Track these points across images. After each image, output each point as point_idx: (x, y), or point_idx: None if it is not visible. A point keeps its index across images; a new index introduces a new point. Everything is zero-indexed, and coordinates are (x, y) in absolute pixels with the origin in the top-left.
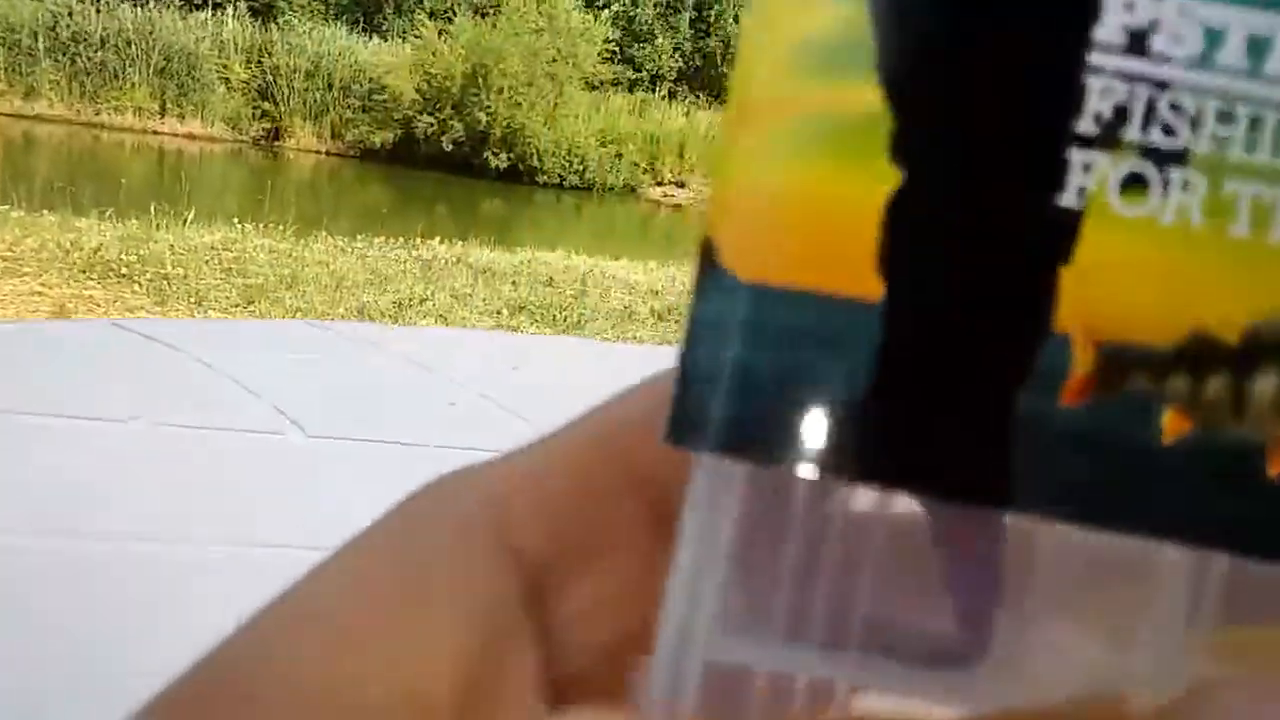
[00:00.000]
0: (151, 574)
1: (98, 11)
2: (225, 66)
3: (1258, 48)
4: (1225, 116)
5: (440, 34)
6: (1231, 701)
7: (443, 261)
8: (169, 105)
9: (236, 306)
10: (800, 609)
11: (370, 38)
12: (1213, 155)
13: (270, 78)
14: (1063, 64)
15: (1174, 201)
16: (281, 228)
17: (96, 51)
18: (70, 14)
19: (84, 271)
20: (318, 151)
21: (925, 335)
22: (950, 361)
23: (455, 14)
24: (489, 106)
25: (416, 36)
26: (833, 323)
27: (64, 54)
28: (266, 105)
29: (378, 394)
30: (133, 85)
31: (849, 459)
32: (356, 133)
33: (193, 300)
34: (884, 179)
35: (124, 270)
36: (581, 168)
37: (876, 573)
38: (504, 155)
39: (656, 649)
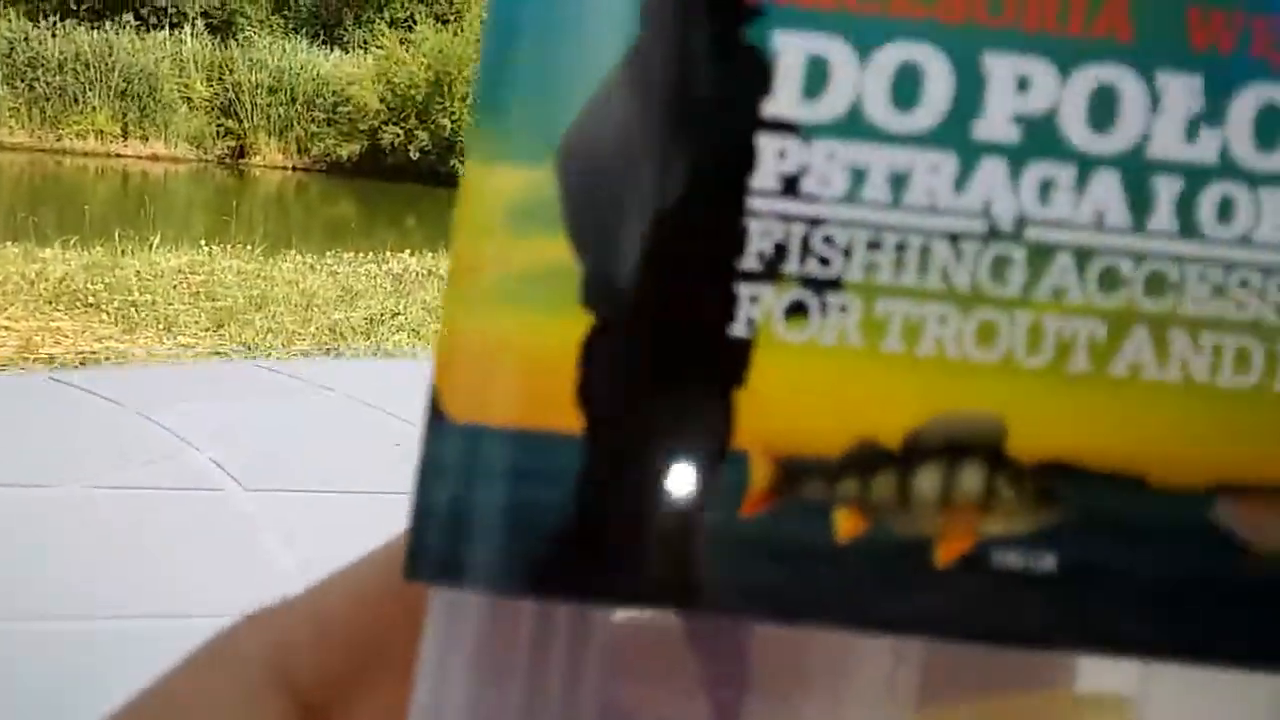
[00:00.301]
0: (81, 653)
1: (54, 35)
2: (186, 85)
3: (898, 182)
4: (873, 245)
5: (402, 43)
6: None
7: (414, 275)
8: (131, 127)
9: (206, 331)
10: None
11: (331, 50)
12: (864, 281)
13: (232, 94)
14: (725, 210)
15: (832, 324)
16: (249, 247)
17: (55, 76)
18: (26, 39)
19: (50, 303)
20: (284, 167)
21: (619, 461)
22: (642, 483)
23: (416, 22)
24: (454, 114)
25: (378, 47)
26: (540, 456)
27: (21, 80)
28: (230, 123)
29: (319, 438)
30: (93, 109)
31: (559, 581)
32: (322, 146)
33: (162, 327)
34: (578, 322)
35: (91, 299)
36: None
37: (615, 675)
38: None
39: None
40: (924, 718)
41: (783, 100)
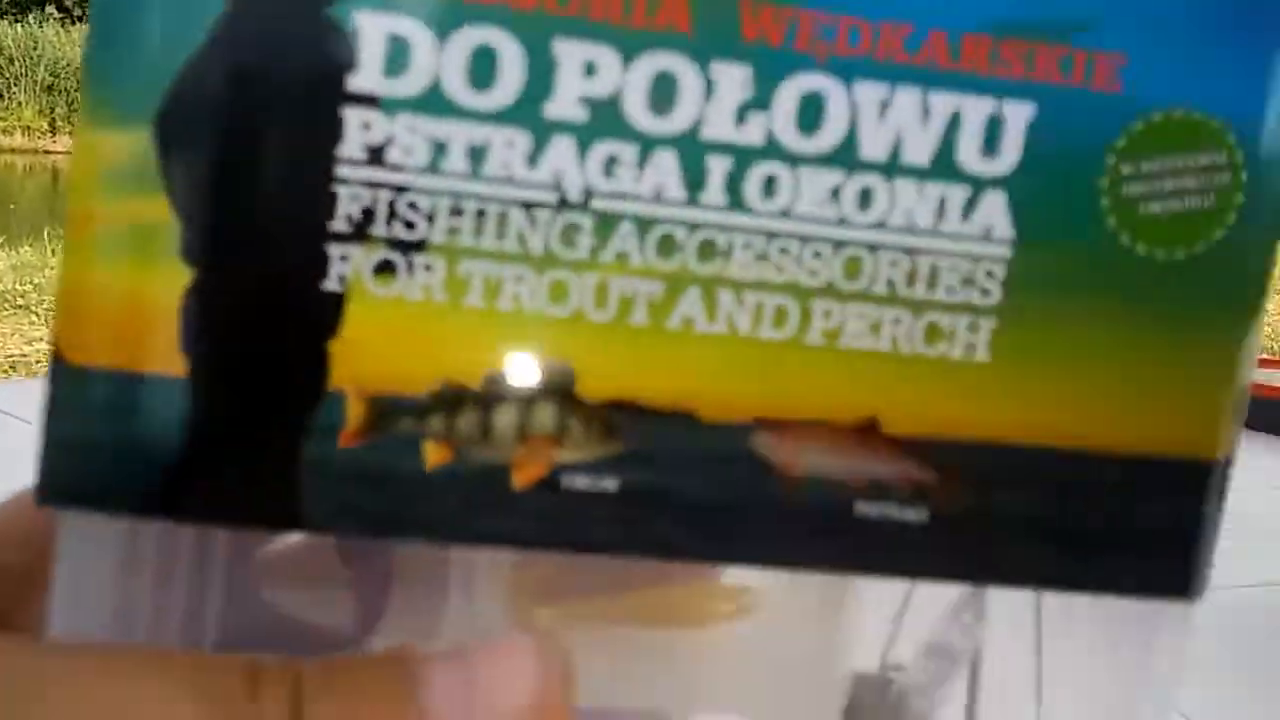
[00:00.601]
0: None
1: None
2: None
3: (476, 154)
4: (455, 211)
5: None
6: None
7: None
8: (59, 123)
9: None
10: (161, 629)
11: None
12: (447, 243)
13: None
14: (315, 177)
15: (418, 281)
16: None
17: None
18: None
19: None
20: None
21: (223, 402)
22: (245, 421)
23: None
24: None
25: None
26: (149, 396)
27: None
28: None
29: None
30: (19, 104)
31: (173, 506)
32: None
33: None
34: (179, 275)
35: (20, 301)
36: None
37: (249, 583)
38: None
39: None
40: (556, 612)
41: (365, 76)
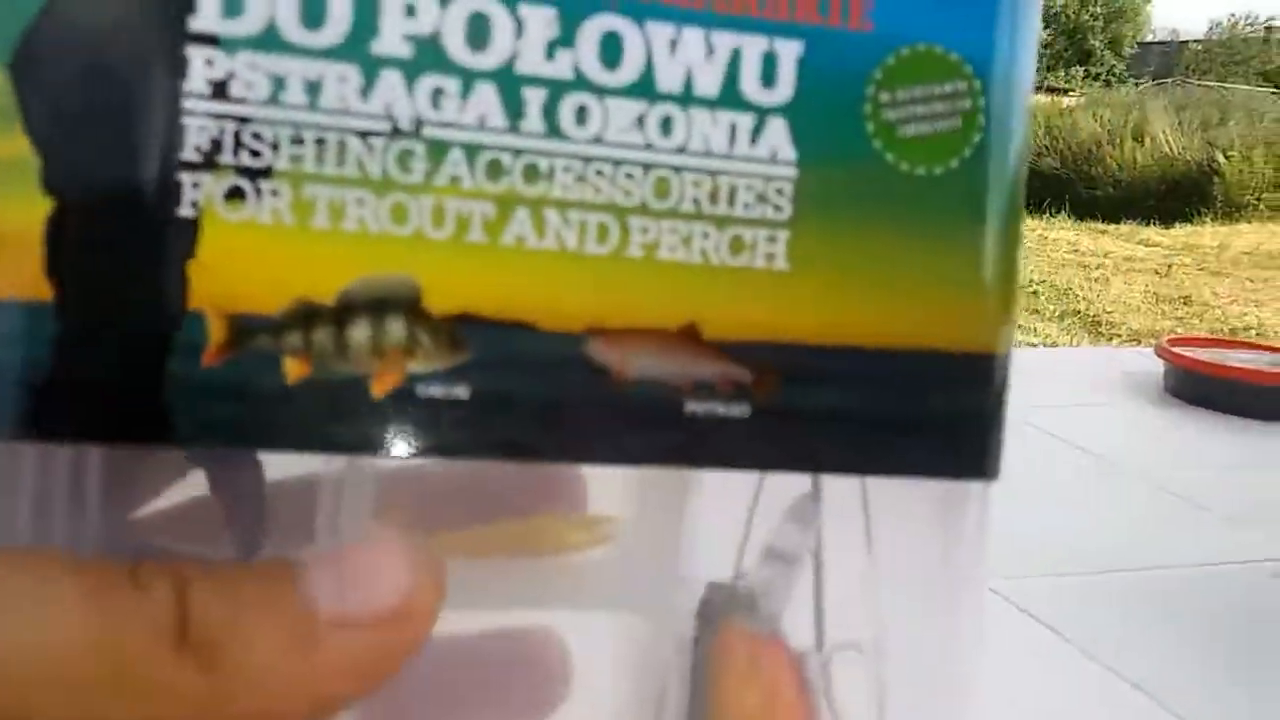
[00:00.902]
0: None
1: None
2: None
3: (313, 88)
4: (296, 141)
5: None
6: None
7: None
8: None
9: None
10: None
11: None
12: (291, 170)
13: None
14: (165, 110)
15: (267, 205)
16: None
17: None
18: None
19: None
20: None
21: (89, 324)
22: (110, 342)
23: None
24: None
25: None
26: (17, 321)
27: None
28: None
29: None
30: None
31: (41, 427)
32: None
33: None
34: (40, 205)
35: None
36: None
37: (123, 511)
38: None
39: None
40: (436, 541)
41: (205, 17)
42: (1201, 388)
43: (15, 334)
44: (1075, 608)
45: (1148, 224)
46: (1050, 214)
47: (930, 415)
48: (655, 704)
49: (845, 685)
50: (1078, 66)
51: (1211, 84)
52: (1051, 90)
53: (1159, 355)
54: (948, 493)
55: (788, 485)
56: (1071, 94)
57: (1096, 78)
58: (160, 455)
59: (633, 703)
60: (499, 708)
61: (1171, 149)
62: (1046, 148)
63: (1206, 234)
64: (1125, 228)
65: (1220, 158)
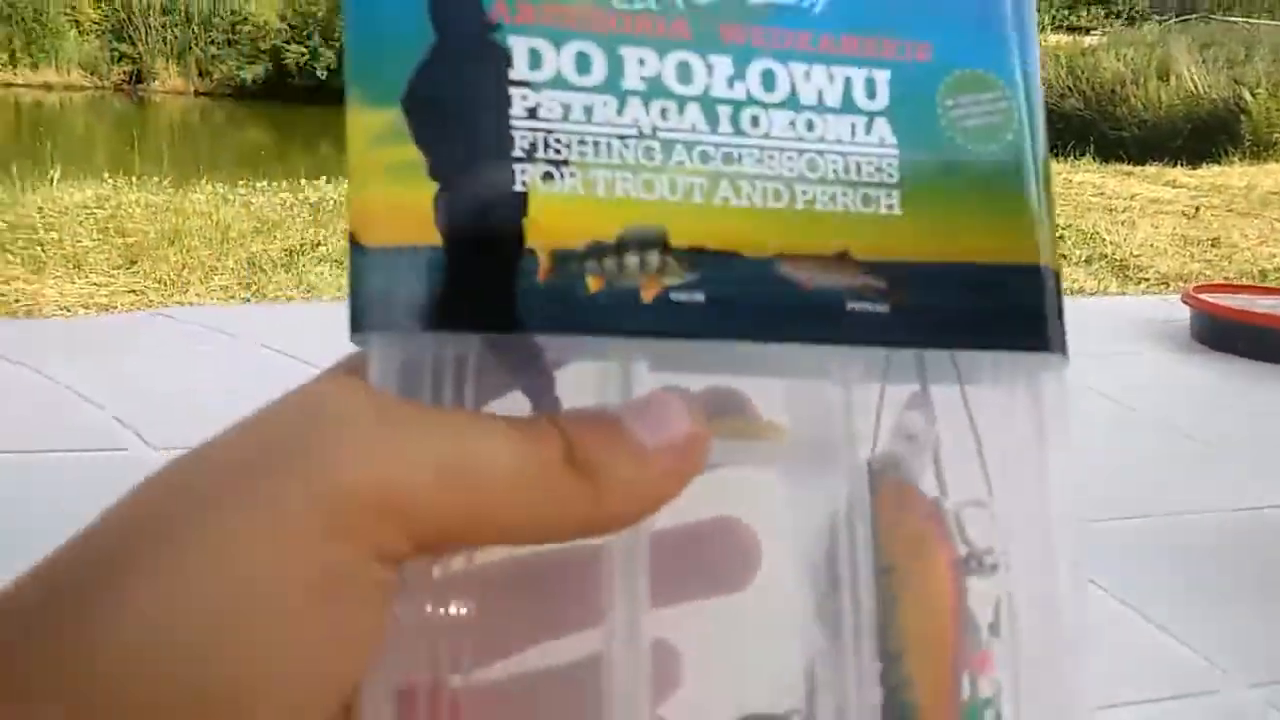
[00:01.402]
0: None
1: None
2: (74, 8)
3: (588, 111)
4: (582, 143)
5: None
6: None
7: (331, 202)
8: (18, 54)
9: (119, 268)
10: None
11: None
12: (579, 160)
13: (123, 15)
14: (501, 126)
15: (567, 183)
16: (157, 179)
17: None
18: None
19: None
20: (184, 92)
21: (467, 258)
22: (481, 269)
23: None
24: None
25: None
26: (418, 258)
27: None
28: (124, 46)
29: (231, 390)
30: None
31: (442, 322)
32: (224, 69)
33: (71, 265)
34: (429, 186)
35: None
36: None
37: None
38: None
39: None
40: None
41: (519, 70)
42: (1228, 334)
43: (422, 266)
44: (1103, 552)
45: (1174, 165)
46: (1075, 157)
47: (1003, 308)
48: (828, 554)
49: (976, 530)
50: (1099, 5)
51: (1236, 20)
52: (1072, 29)
53: (1185, 301)
54: (1030, 378)
55: (905, 391)
56: (1093, 33)
57: (1118, 15)
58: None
59: (811, 546)
60: (706, 581)
61: (1197, 87)
62: (1069, 89)
63: (1234, 174)
64: (1151, 169)
65: (1247, 95)
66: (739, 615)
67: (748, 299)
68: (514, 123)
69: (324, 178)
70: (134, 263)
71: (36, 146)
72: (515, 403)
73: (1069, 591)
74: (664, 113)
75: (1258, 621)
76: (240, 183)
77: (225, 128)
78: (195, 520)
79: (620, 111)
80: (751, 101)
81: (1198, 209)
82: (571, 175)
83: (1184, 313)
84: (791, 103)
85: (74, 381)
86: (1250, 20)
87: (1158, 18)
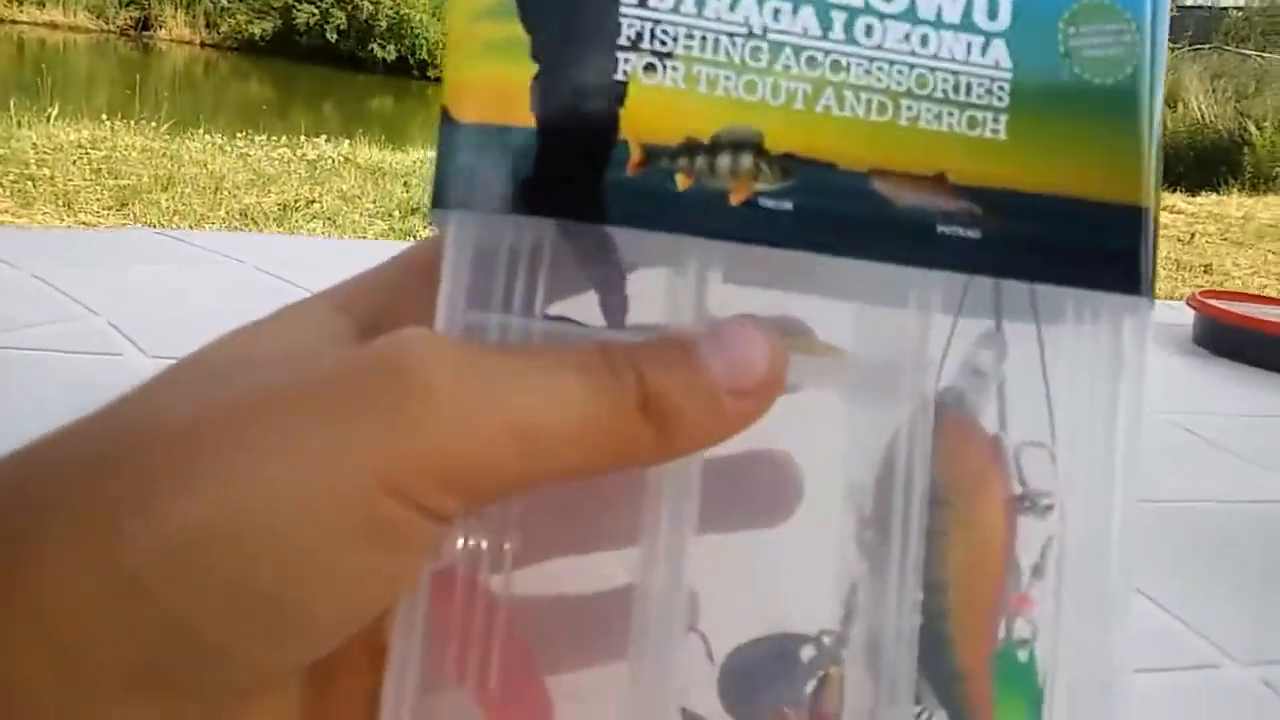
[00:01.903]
0: None
1: None
2: None
3: (700, 3)
4: (689, 36)
5: None
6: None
7: (329, 161)
8: None
9: (109, 210)
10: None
11: None
12: (685, 54)
13: None
14: (609, 12)
15: (669, 76)
16: (155, 125)
17: None
18: None
19: None
20: (191, 42)
21: (559, 144)
22: (571, 156)
23: None
24: None
25: None
26: (512, 138)
27: None
28: None
29: (225, 308)
30: None
31: (526, 205)
32: (232, 22)
33: (61, 203)
34: (530, 67)
35: None
36: None
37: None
38: (391, 47)
39: None
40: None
41: None
42: (1230, 339)
43: (513, 145)
44: None
45: (1174, 190)
46: None
47: (1099, 246)
48: (880, 480)
49: (1034, 470)
50: None
51: (1249, 52)
52: None
53: (1190, 305)
54: (1114, 323)
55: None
56: None
57: None
58: (564, 270)
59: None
60: (745, 513)
61: (1203, 117)
62: None
63: (1233, 204)
64: None
65: (1252, 128)
66: (778, 534)
67: (837, 212)
68: (623, 9)
69: (324, 137)
70: (125, 205)
71: (37, 84)
72: (587, 303)
73: (1119, 544)
74: (776, 13)
75: (1259, 606)
76: (239, 135)
77: (228, 80)
78: (272, 432)
79: (732, 8)
80: (868, 10)
81: (1193, 235)
82: (674, 69)
83: (1186, 318)
84: (908, 15)
85: (71, 288)
86: (1263, 55)
87: (1171, 45)
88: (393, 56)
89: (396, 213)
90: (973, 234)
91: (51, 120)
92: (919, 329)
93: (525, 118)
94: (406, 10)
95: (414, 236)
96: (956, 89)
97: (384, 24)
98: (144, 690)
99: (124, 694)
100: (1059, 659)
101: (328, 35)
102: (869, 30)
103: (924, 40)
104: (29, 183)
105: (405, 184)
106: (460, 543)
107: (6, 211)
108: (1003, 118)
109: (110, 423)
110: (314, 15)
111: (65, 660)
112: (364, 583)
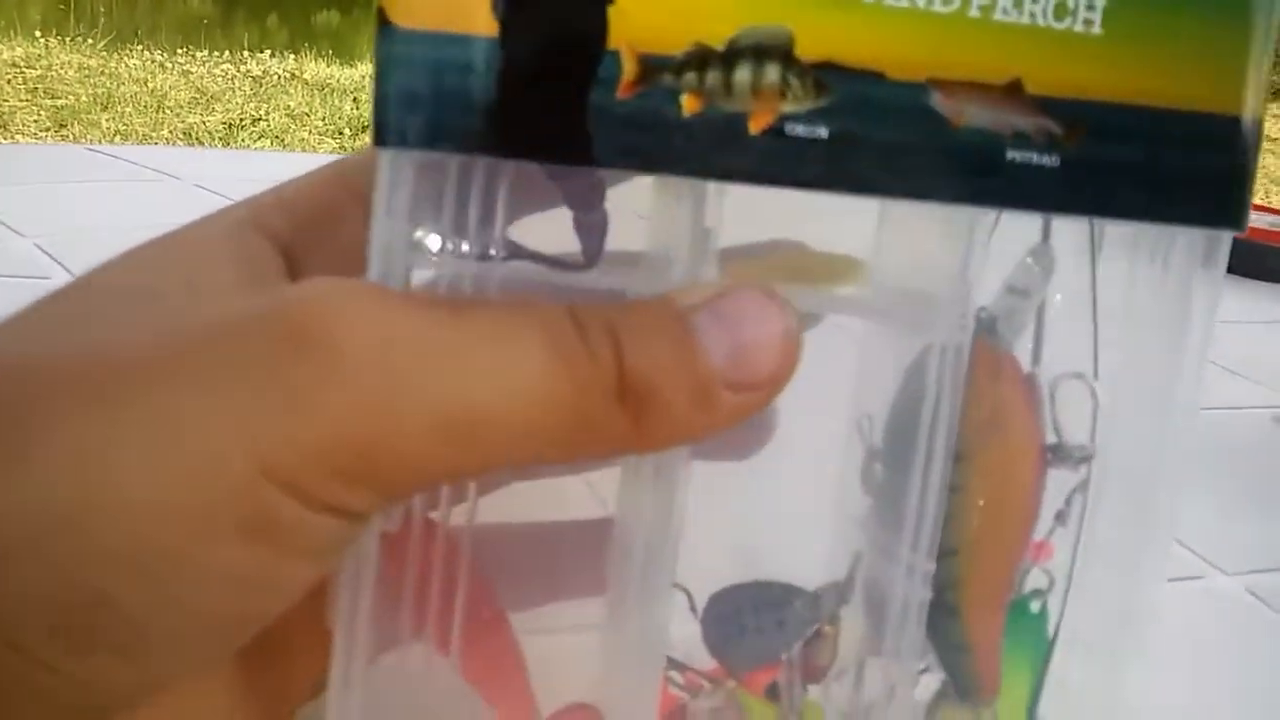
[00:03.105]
0: None
1: None
2: None
3: None
4: None
5: None
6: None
7: (275, 78)
8: None
9: (47, 131)
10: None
11: None
12: None
13: None
14: None
15: None
16: (91, 42)
17: None
18: None
19: None
20: None
21: (527, 58)
22: (545, 74)
23: None
24: None
25: None
26: (466, 51)
27: None
28: None
29: (163, 227)
30: None
31: (486, 143)
32: None
33: None
34: None
35: None
36: None
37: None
38: None
39: None
40: (727, 273)
41: None
42: (1253, 255)
43: (469, 63)
44: None
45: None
46: None
47: (1194, 171)
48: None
49: (1069, 404)
50: None
51: None
52: None
53: None
54: (1191, 245)
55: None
56: None
57: None
58: (532, 182)
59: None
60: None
61: None
62: None
63: None
64: None
65: None
66: (769, 468)
67: (881, 138)
68: None
69: (268, 51)
70: (63, 126)
71: None
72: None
73: (1157, 494)
74: None
75: (1241, 513)
76: (180, 51)
77: None
78: (133, 398)
79: None
80: None
81: None
82: None
83: None
84: None
85: None
86: None
87: None
88: None
89: (347, 130)
90: (1049, 160)
91: None
92: (958, 241)
93: (484, 23)
94: None
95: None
96: None
97: None
98: None
99: None
100: (1075, 614)
101: None
102: None
103: None
104: None
105: (355, 100)
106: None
107: None
108: (1099, 4)
109: None
110: None
111: None
112: (237, 590)
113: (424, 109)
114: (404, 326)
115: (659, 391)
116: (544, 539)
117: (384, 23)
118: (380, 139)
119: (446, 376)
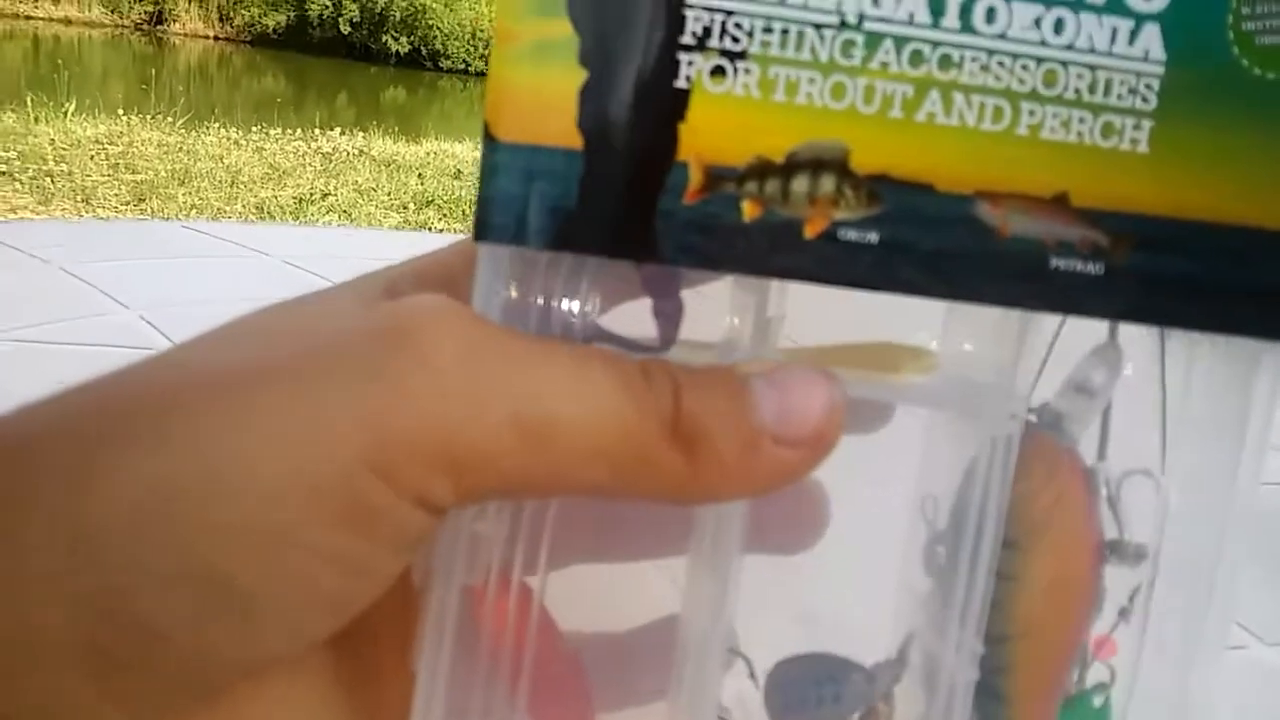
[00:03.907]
0: None
1: None
2: None
3: None
4: (766, 30)
5: None
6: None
7: (344, 154)
8: None
9: (127, 204)
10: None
11: None
12: (761, 54)
13: None
14: (671, 4)
15: (740, 81)
16: (170, 119)
17: None
18: None
19: None
20: (205, 36)
21: (606, 167)
22: (621, 181)
23: None
24: None
25: None
26: (556, 162)
27: None
28: None
29: (252, 299)
30: None
31: (569, 241)
32: (246, 15)
33: (79, 199)
34: (578, 75)
35: (3, 168)
36: (486, 52)
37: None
38: (404, 39)
39: None
40: (786, 354)
41: None
42: None
43: (556, 172)
44: None
45: None
46: None
47: (1250, 283)
48: (956, 511)
49: (1133, 503)
50: None
51: None
52: None
53: None
54: (1250, 357)
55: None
56: None
57: None
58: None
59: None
60: (780, 534)
61: None
62: None
63: None
64: None
65: None
66: (834, 551)
67: (929, 245)
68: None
69: (338, 129)
70: (142, 200)
71: (53, 80)
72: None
73: (1219, 595)
74: None
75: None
76: (254, 129)
77: (242, 74)
78: (257, 397)
79: None
80: None
81: None
82: (746, 72)
83: None
84: None
85: (98, 279)
86: None
87: None
88: (406, 48)
89: (411, 205)
90: (1093, 268)
91: (68, 116)
92: (1017, 334)
93: (572, 136)
94: (420, 1)
95: (429, 229)
96: (1093, 88)
97: (397, 15)
98: (93, 677)
99: (80, 679)
100: (1135, 708)
101: (341, 27)
102: (990, 14)
103: (1058, 25)
104: (47, 179)
105: (419, 176)
106: (497, 550)
107: (25, 208)
108: (1146, 124)
109: (108, 388)
110: (327, 8)
111: (23, 637)
112: (336, 570)
113: (520, 212)
114: (493, 337)
115: (711, 435)
116: (621, 641)
117: (489, 137)
118: (480, 234)
119: (527, 381)
